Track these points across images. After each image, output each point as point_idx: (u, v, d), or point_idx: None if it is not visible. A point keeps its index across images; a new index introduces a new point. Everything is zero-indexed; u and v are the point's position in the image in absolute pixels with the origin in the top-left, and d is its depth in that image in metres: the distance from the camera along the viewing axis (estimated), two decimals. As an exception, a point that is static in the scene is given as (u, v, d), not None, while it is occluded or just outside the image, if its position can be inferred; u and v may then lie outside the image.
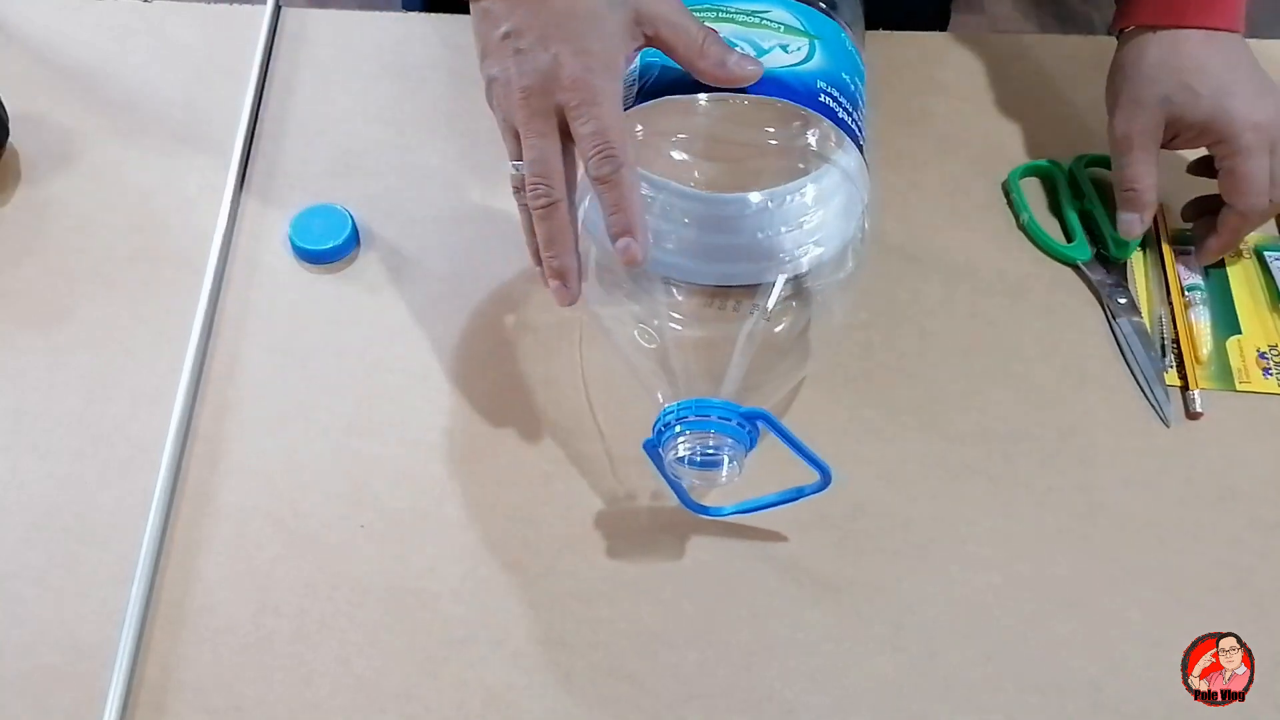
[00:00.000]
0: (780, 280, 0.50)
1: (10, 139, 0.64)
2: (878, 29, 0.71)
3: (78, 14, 0.71)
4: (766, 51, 0.51)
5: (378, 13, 0.71)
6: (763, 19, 0.52)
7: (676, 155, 0.51)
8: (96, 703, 0.48)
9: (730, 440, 0.48)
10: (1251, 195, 0.59)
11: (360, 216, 0.62)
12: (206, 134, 0.66)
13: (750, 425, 0.48)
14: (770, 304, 0.49)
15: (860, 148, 0.52)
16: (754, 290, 0.50)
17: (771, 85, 0.50)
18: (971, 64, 0.70)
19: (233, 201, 0.63)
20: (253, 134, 0.66)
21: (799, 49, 0.51)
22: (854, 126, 0.51)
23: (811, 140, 0.51)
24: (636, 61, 0.52)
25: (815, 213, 0.50)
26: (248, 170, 0.64)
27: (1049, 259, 0.63)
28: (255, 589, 0.51)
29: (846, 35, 0.54)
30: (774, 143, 0.51)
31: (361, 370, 0.58)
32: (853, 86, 0.53)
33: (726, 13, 0.52)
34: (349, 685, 0.49)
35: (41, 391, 0.56)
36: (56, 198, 0.63)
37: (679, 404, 0.48)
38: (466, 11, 0.69)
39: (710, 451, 0.48)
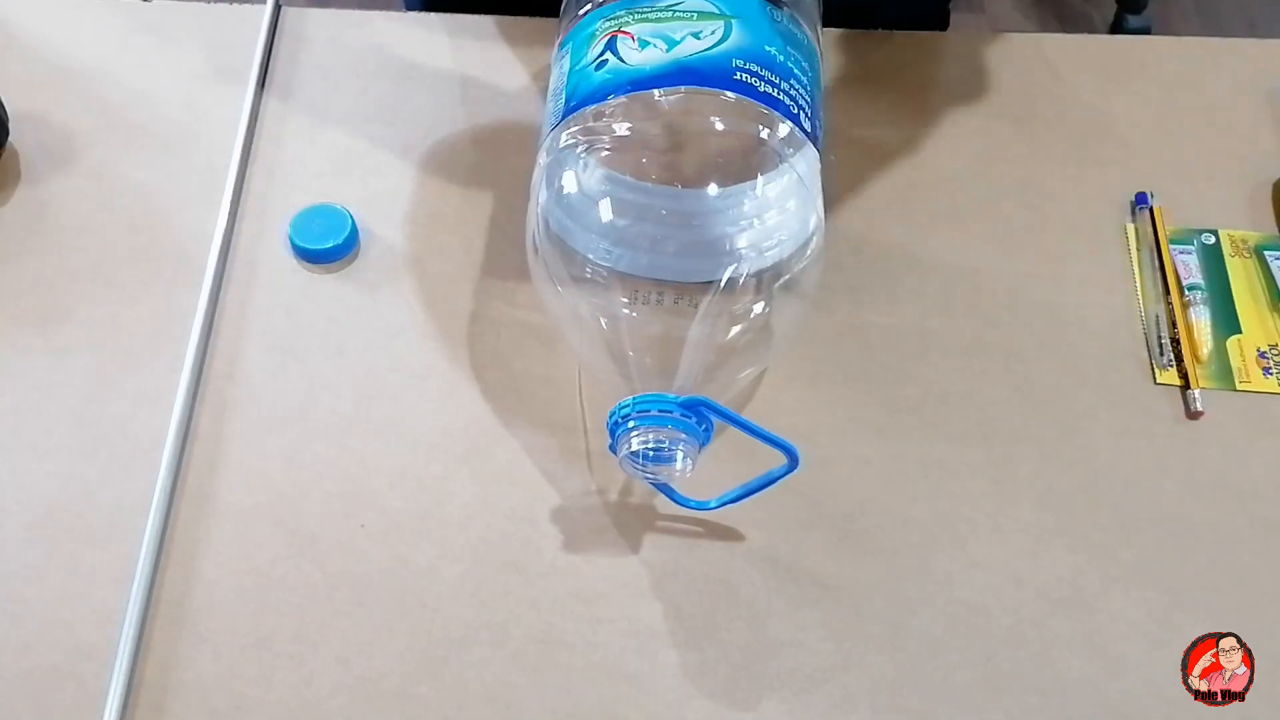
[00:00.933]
0: (729, 274, 0.50)
1: (10, 139, 0.64)
2: (877, 29, 0.71)
3: (78, 14, 0.71)
4: (678, 42, 0.51)
5: (378, 12, 0.71)
6: (675, 11, 0.52)
7: (634, 151, 0.51)
8: (96, 703, 0.48)
9: (682, 435, 0.48)
10: None
11: (360, 216, 0.62)
12: (206, 133, 0.66)
13: (697, 416, 0.48)
14: (723, 298, 0.50)
15: (797, 120, 0.51)
16: (710, 286, 0.50)
17: (684, 74, 0.50)
18: (971, 64, 0.70)
19: (233, 201, 0.63)
20: (252, 134, 0.66)
21: (713, 32, 0.51)
22: (783, 99, 0.51)
23: (766, 136, 0.51)
24: (565, 76, 0.53)
25: (771, 208, 0.50)
26: (247, 170, 0.64)
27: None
28: (255, 589, 0.51)
29: (774, 9, 0.54)
30: (730, 139, 0.51)
31: (361, 370, 0.58)
32: (781, 58, 0.52)
33: (639, 12, 0.52)
34: (349, 685, 0.49)
35: (41, 391, 0.56)
36: (56, 198, 0.63)
37: (620, 403, 0.48)
38: (467, 11, 0.70)
39: (661, 445, 0.48)
